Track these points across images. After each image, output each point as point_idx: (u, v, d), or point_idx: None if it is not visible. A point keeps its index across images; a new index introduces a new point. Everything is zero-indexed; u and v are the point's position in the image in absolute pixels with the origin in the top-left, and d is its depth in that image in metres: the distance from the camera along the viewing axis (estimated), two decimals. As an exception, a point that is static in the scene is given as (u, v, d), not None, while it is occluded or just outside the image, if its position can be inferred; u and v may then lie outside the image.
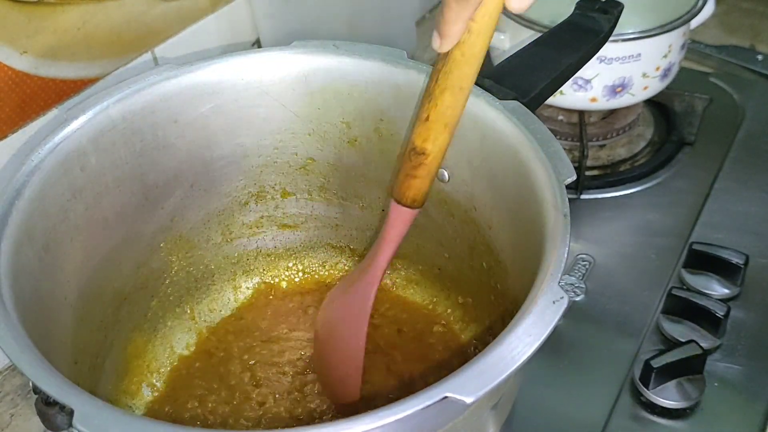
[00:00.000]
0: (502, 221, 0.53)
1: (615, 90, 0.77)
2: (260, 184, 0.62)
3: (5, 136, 0.61)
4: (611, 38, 0.63)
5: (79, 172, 0.51)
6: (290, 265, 0.68)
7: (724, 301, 0.65)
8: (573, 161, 0.44)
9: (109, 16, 0.66)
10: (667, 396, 0.58)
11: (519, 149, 0.49)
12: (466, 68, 0.45)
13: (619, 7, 0.62)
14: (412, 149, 0.48)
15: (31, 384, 0.38)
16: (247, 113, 0.58)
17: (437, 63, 0.45)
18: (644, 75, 0.77)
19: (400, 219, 0.52)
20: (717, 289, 0.66)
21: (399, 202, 0.51)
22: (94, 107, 0.52)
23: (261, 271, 0.67)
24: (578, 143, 0.80)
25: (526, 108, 0.51)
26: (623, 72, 0.76)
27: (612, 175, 0.80)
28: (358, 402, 0.56)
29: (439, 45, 0.44)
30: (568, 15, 0.62)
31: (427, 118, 0.47)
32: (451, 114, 0.47)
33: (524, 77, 0.55)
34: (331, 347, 0.58)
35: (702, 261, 0.68)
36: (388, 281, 0.66)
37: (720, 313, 0.62)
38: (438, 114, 0.46)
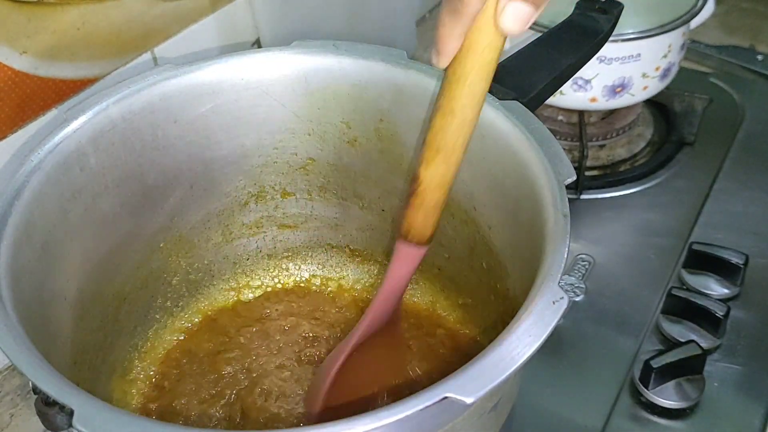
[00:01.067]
0: (502, 221, 0.53)
1: (615, 90, 0.77)
2: (260, 184, 0.62)
3: (5, 136, 0.61)
4: (611, 38, 0.63)
5: (79, 172, 0.51)
6: (290, 265, 0.68)
7: (724, 301, 0.65)
8: (573, 161, 0.44)
9: (109, 16, 0.66)
10: (666, 396, 0.58)
11: (519, 149, 0.49)
12: (456, 89, 0.42)
13: (619, 7, 0.62)
14: (411, 175, 0.46)
15: (30, 384, 0.38)
16: (247, 113, 0.58)
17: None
18: (644, 75, 0.77)
19: (406, 258, 0.48)
20: (717, 289, 0.66)
21: (399, 236, 0.48)
22: (94, 107, 0.52)
23: (261, 271, 0.67)
24: (578, 143, 0.80)
25: (525, 108, 0.51)
26: (623, 72, 0.76)
27: (612, 175, 0.80)
28: (315, 417, 0.53)
29: (436, 61, 0.42)
30: (568, 15, 0.62)
31: (423, 141, 0.44)
32: (441, 138, 0.43)
33: (524, 77, 0.55)
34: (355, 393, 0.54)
35: (702, 261, 0.68)
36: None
37: (720, 313, 0.62)
38: (430, 137, 0.44)
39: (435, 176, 0.45)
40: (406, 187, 0.47)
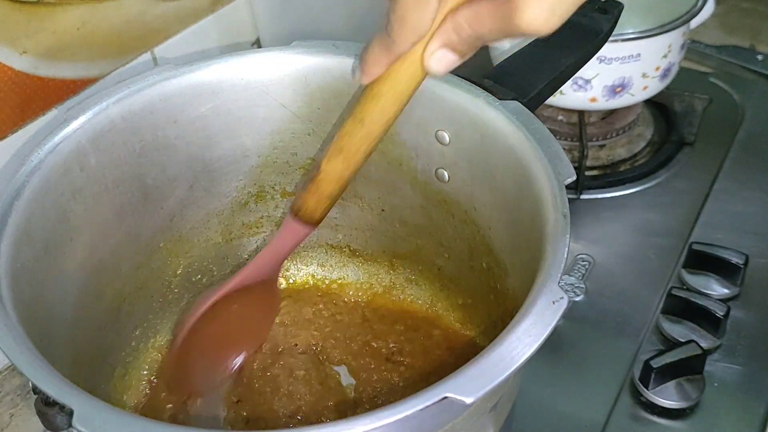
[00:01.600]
0: (502, 221, 0.53)
1: (615, 90, 0.77)
2: (260, 184, 0.62)
3: (5, 136, 0.61)
4: (611, 38, 0.63)
5: (79, 173, 0.51)
6: (290, 265, 0.68)
7: (724, 301, 0.65)
8: (573, 161, 0.44)
9: (109, 16, 0.66)
10: (666, 396, 0.58)
11: (519, 149, 0.49)
12: (370, 103, 0.45)
13: (619, 7, 0.62)
14: (316, 160, 0.50)
15: (30, 384, 0.38)
16: (247, 113, 0.58)
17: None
18: (644, 75, 0.77)
19: (284, 227, 0.53)
20: (717, 289, 0.66)
21: (291, 212, 0.52)
22: (94, 107, 0.52)
23: (261, 271, 0.67)
24: (578, 143, 0.80)
25: (525, 108, 0.51)
26: (623, 72, 0.76)
27: (612, 175, 0.80)
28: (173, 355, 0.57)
29: (357, 77, 0.44)
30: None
31: (332, 137, 0.48)
32: (347, 141, 0.47)
33: (524, 77, 0.55)
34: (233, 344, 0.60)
35: (702, 261, 0.68)
36: (387, 282, 0.66)
37: (720, 313, 0.62)
38: (338, 136, 0.47)
39: (334, 171, 0.48)
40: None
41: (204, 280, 0.64)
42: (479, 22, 0.38)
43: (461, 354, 0.60)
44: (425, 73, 0.43)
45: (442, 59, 0.41)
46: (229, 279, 0.57)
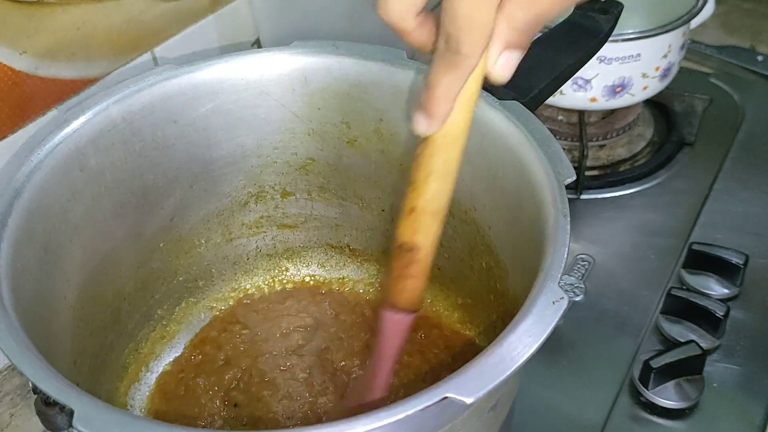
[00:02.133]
0: (502, 221, 0.53)
1: (615, 90, 0.77)
2: (260, 184, 0.62)
3: (5, 136, 0.61)
4: (611, 38, 0.63)
5: (79, 173, 0.51)
6: (290, 265, 0.68)
7: (724, 301, 0.65)
8: (573, 161, 0.44)
9: (109, 16, 0.66)
10: (666, 396, 0.58)
11: (519, 149, 0.49)
12: (452, 150, 0.40)
13: (619, 7, 0.62)
14: (400, 246, 0.43)
15: (30, 384, 0.38)
16: (247, 113, 0.58)
17: (418, 147, 0.41)
18: (644, 75, 0.77)
19: (398, 328, 0.46)
20: (716, 289, 0.66)
21: (394, 308, 0.45)
22: (94, 107, 0.52)
23: (261, 271, 0.67)
24: (578, 143, 0.80)
25: (525, 108, 0.51)
26: (623, 72, 0.76)
27: (612, 175, 0.80)
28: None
29: (427, 127, 0.39)
30: (568, 15, 0.62)
31: (412, 210, 0.42)
32: (439, 202, 0.42)
33: (524, 77, 0.55)
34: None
35: (702, 261, 0.68)
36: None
37: (719, 314, 0.62)
38: (425, 203, 0.41)
39: (433, 241, 0.43)
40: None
41: (204, 280, 0.64)
42: (533, 2, 0.35)
43: (461, 354, 0.60)
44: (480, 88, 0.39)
45: (507, 63, 0.37)
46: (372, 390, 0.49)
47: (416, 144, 0.41)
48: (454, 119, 0.39)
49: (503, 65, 0.37)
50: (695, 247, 0.68)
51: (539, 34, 0.62)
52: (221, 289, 0.65)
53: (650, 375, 0.58)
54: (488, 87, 0.52)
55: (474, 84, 0.38)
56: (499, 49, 0.37)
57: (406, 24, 0.37)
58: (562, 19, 0.62)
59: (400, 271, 0.44)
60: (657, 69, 0.77)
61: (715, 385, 0.60)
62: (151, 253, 0.59)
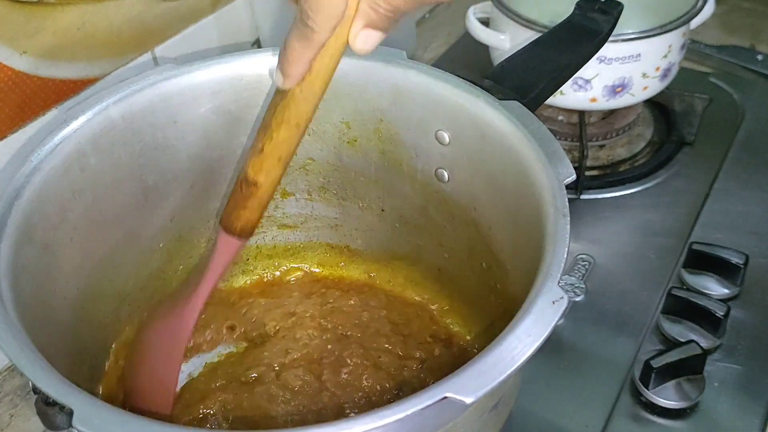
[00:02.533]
0: (502, 221, 0.53)
1: (615, 90, 0.77)
2: (260, 184, 0.62)
3: (5, 136, 0.61)
4: (611, 38, 0.63)
5: (79, 173, 0.51)
6: (290, 265, 0.68)
7: (724, 301, 0.65)
8: (573, 161, 0.44)
9: (109, 16, 0.66)
10: (666, 396, 0.58)
11: (519, 149, 0.49)
12: (303, 105, 0.45)
13: (619, 8, 0.62)
14: (244, 179, 0.47)
15: (30, 384, 0.38)
16: (247, 113, 0.58)
17: (275, 96, 0.45)
18: (644, 75, 0.77)
19: (227, 249, 0.51)
20: (717, 289, 0.66)
21: (227, 231, 0.50)
22: (94, 107, 0.52)
23: (260, 271, 0.67)
24: (578, 143, 0.80)
25: (526, 108, 0.51)
26: (623, 72, 0.76)
27: (612, 175, 0.80)
28: (168, 417, 0.55)
29: (282, 83, 0.43)
30: (568, 15, 0.62)
31: (261, 150, 0.46)
32: (285, 148, 0.46)
33: (524, 77, 0.55)
34: (144, 371, 0.56)
35: (702, 261, 0.68)
36: (387, 282, 0.66)
37: (720, 313, 0.62)
38: (272, 147, 0.46)
39: (274, 181, 0.48)
40: (235, 186, 0.49)
41: (204, 280, 0.64)
42: None
43: (461, 354, 0.60)
44: (341, 57, 0.43)
45: (367, 39, 0.42)
46: (182, 302, 0.54)
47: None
48: (311, 80, 0.43)
49: (363, 41, 0.42)
50: (695, 247, 0.68)
51: (539, 35, 0.62)
52: (221, 288, 0.65)
53: (651, 375, 0.58)
54: (488, 87, 0.53)
55: (331, 53, 0.42)
56: (360, 26, 0.41)
57: None
58: (562, 19, 0.62)
59: (241, 201, 0.49)
60: (657, 69, 0.77)
61: (715, 384, 0.60)
62: (151, 254, 0.59)
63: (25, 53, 0.61)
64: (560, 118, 0.85)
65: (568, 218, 0.43)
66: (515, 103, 0.51)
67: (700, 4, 0.77)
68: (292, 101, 0.44)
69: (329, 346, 0.61)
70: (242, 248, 0.51)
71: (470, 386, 0.35)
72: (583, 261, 0.71)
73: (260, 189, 0.48)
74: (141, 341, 0.57)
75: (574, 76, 0.64)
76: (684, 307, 0.64)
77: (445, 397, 0.35)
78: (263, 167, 0.47)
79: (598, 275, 0.69)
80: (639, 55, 0.75)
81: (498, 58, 0.81)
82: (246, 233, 0.50)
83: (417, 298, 0.64)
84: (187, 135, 0.57)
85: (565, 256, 0.41)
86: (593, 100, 0.78)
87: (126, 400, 0.55)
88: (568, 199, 0.45)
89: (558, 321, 0.38)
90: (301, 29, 0.41)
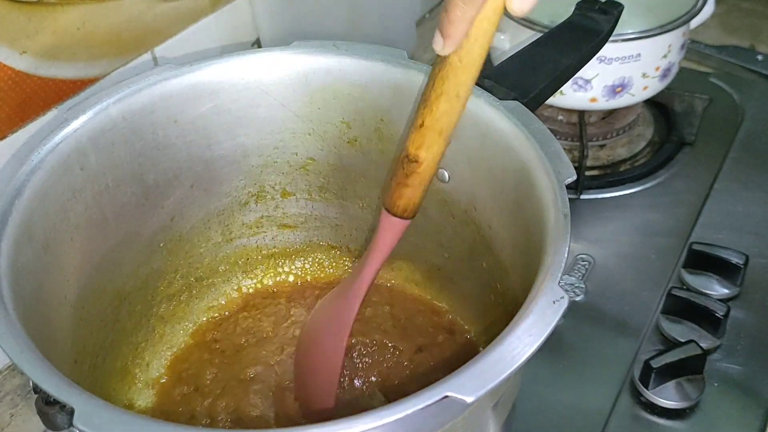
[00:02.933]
0: (502, 221, 0.53)
1: (615, 90, 0.77)
2: (260, 184, 0.62)
3: (5, 136, 0.61)
4: (611, 38, 0.63)
5: (79, 172, 0.51)
6: (290, 265, 0.68)
7: (724, 301, 0.65)
8: (573, 161, 0.44)
9: (109, 16, 0.66)
10: (666, 396, 0.58)
11: (519, 149, 0.49)
12: (463, 75, 0.43)
13: (619, 8, 0.62)
14: (405, 156, 0.47)
15: (31, 383, 0.38)
16: (247, 113, 0.58)
17: (434, 68, 0.44)
18: (644, 75, 0.77)
19: (391, 229, 0.50)
20: (717, 289, 0.66)
21: (390, 212, 0.49)
22: (94, 107, 0.52)
23: (261, 271, 0.67)
24: (578, 143, 0.80)
25: (526, 108, 0.51)
26: (623, 72, 0.76)
27: (612, 175, 0.80)
28: (331, 410, 0.55)
29: (443, 46, 0.42)
30: (568, 15, 0.62)
31: (421, 125, 0.45)
32: (446, 121, 0.45)
33: (524, 77, 0.55)
34: (311, 355, 0.57)
35: (702, 261, 0.68)
36: (386, 282, 0.66)
37: (720, 313, 0.62)
38: (433, 120, 0.45)
39: (435, 156, 0.46)
40: (396, 165, 0.48)
41: (204, 280, 0.64)
42: None
43: (461, 353, 0.60)
44: (498, 21, 0.42)
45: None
46: (348, 285, 0.54)
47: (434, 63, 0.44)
48: (470, 46, 0.42)
49: (522, 0, 0.40)
50: (695, 247, 0.68)
51: (539, 35, 0.62)
52: (221, 289, 0.65)
53: (651, 375, 0.58)
54: (489, 87, 0.53)
55: (491, 15, 0.41)
56: None
57: None
58: (562, 20, 0.62)
59: (402, 179, 0.48)
60: (657, 69, 0.77)
61: (715, 384, 0.60)
62: (151, 253, 0.59)
63: (25, 53, 0.61)
64: (560, 118, 0.85)
65: (569, 218, 0.43)
66: (515, 103, 0.51)
67: (700, 4, 0.77)
68: (451, 71, 0.43)
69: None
70: (405, 229, 0.50)
71: (470, 386, 0.35)
72: (583, 261, 0.71)
73: (422, 165, 0.46)
74: (307, 330, 0.58)
75: (574, 76, 0.64)
76: (684, 307, 0.64)
77: (446, 397, 0.34)
78: (424, 142, 0.46)
79: (598, 275, 0.69)
80: (639, 55, 0.75)
81: (498, 58, 0.81)
82: (409, 213, 0.49)
83: (417, 298, 0.64)
84: (187, 135, 0.57)
85: (566, 256, 0.41)
86: (593, 100, 0.78)
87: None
88: (568, 199, 0.45)
89: (558, 321, 0.38)
90: None
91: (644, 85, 0.78)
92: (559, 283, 0.40)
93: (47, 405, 0.37)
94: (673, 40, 0.76)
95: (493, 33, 0.42)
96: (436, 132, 0.45)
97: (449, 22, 0.41)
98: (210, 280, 0.65)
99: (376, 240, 0.51)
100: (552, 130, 0.55)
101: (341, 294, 0.55)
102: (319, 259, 0.68)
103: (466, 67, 0.43)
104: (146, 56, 0.72)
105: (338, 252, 0.67)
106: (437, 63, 0.44)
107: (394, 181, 0.48)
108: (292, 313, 0.64)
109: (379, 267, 0.52)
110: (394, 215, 0.49)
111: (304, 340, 0.59)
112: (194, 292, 0.64)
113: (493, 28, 0.42)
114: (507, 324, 0.38)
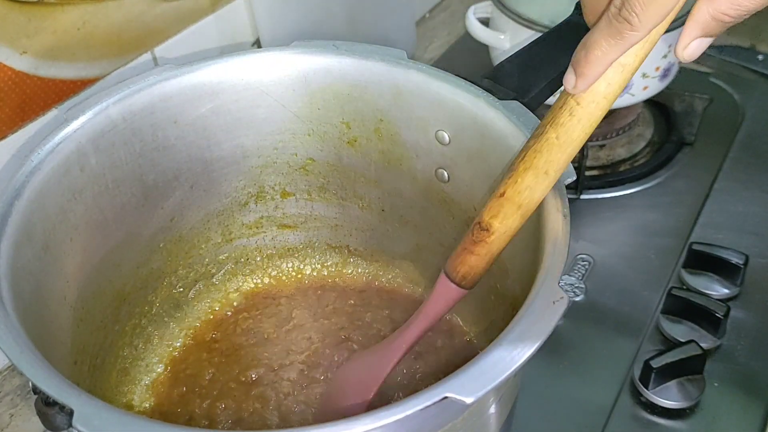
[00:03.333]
0: (502, 221, 0.52)
1: (615, 90, 0.77)
2: (260, 184, 0.62)
3: (5, 136, 0.61)
4: (611, 38, 0.63)
5: (79, 173, 0.51)
6: (290, 265, 0.68)
7: (724, 301, 0.65)
8: (573, 161, 0.44)
9: (109, 16, 0.66)
10: (667, 396, 0.58)
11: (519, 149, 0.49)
12: (557, 153, 0.41)
13: (619, 8, 0.61)
14: (478, 223, 0.45)
15: (30, 384, 0.38)
16: (247, 113, 0.58)
17: (530, 140, 0.42)
18: (644, 75, 0.77)
19: (446, 296, 0.48)
20: (717, 289, 0.66)
21: (449, 277, 0.47)
22: (94, 107, 0.52)
23: (261, 271, 0.67)
24: (578, 143, 0.80)
25: (526, 108, 0.51)
26: (623, 72, 0.76)
27: (612, 175, 0.80)
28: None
29: (574, 84, 0.39)
30: (568, 15, 0.62)
31: (502, 194, 0.43)
32: (528, 196, 0.43)
33: (524, 77, 0.55)
34: (336, 399, 0.56)
35: (702, 261, 0.68)
36: (386, 283, 0.66)
37: (720, 313, 0.62)
38: (515, 192, 0.43)
39: (508, 230, 0.44)
40: (465, 231, 0.46)
41: (204, 280, 0.64)
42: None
43: (461, 354, 0.60)
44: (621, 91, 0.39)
45: (698, 48, 0.38)
46: (388, 343, 0.53)
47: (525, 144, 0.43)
48: (572, 125, 0.40)
49: (694, 50, 0.38)
50: (695, 247, 0.68)
51: (539, 35, 0.62)
52: (221, 289, 0.65)
53: (651, 375, 0.58)
54: (488, 87, 0.53)
55: (595, 100, 0.39)
56: (695, 34, 0.37)
57: None
58: (562, 19, 0.62)
59: (469, 245, 0.46)
60: (657, 69, 0.77)
61: (715, 384, 0.60)
62: (151, 253, 0.59)
63: (25, 53, 0.61)
64: (560, 118, 0.85)
65: (569, 218, 0.43)
66: (515, 103, 0.51)
67: (700, 4, 0.77)
68: (546, 146, 0.41)
69: (327, 350, 0.61)
70: (460, 299, 0.48)
71: (470, 386, 0.35)
72: (583, 261, 0.71)
73: (492, 235, 0.44)
74: (337, 375, 0.56)
75: (574, 76, 0.64)
76: (684, 307, 0.64)
77: (446, 397, 0.35)
78: (500, 212, 0.44)
79: (598, 275, 0.69)
80: (639, 55, 0.75)
81: (498, 58, 0.81)
82: (468, 282, 0.47)
83: (417, 298, 0.64)
84: (187, 135, 0.57)
85: (565, 256, 0.41)
86: (593, 100, 0.78)
87: None
88: (568, 199, 0.45)
89: (558, 321, 0.38)
90: (614, 25, 0.36)
91: (644, 85, 0.78)
92: (559, 283, 0.40)
93: (47, 406, 0.37)
94: (673, 40, 0.76)
95: (600, 117, 0.40)
96: (516, 204, 0.43)
97: (587, 62, 0.38)
98: (210, 281, 0.65)
99: (427, 303, 0.50)
100: (552, 130, 0.55)
101: (379, 350, 0.54)
102: (319, 259, 0.68)
103: (562, 146, 0.41)
104: (146, 56, 0.72)
105: (338, 252, 0.67)
106: (534, 136, 0.42)
107: (461, 246, 0.46)
108: (293, 315, 0.64)
109: (423, 332, 0.50)
110: (452, 281, 0.47)
111: (334, 383, 0.57)
112: (194, 292, 0.64)
113: (601, 111, 0.39)
114: (507, 324, 0.38)
